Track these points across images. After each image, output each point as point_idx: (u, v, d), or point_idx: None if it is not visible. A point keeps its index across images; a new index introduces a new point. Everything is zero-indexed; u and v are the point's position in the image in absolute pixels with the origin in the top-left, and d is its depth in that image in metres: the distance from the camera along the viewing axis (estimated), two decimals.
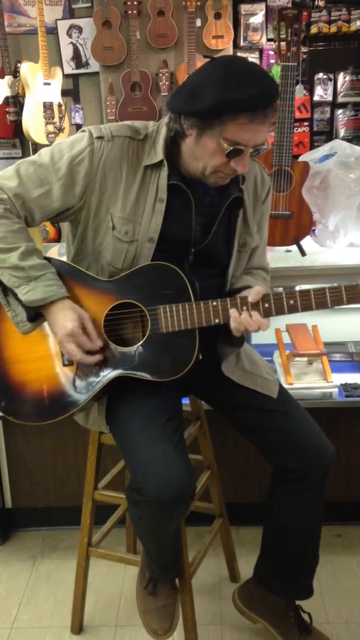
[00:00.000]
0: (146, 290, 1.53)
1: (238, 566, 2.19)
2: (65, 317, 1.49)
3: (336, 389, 2.24)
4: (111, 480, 2.01)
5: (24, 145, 4.13)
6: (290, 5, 4.01)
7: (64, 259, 1.66)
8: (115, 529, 2.06)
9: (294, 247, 2.34)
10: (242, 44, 4.03)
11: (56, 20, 3.98)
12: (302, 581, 1.84)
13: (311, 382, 2.28)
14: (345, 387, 2.26)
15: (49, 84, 3.84)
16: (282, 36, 2.26)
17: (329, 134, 4.28)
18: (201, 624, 1.88)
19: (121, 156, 1.53)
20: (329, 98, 4.21)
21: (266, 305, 1.51)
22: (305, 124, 4.24)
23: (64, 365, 1.57)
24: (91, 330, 1.52)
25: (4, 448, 2.38)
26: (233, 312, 1.50)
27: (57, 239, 4.01)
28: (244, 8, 3.97)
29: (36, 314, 1.52)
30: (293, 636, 1.86)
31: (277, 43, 2.24)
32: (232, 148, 1.43)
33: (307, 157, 2.38)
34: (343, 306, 1.53)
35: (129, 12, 3.81)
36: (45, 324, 1.58)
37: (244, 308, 1.51)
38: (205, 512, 2.09)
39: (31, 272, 1.49)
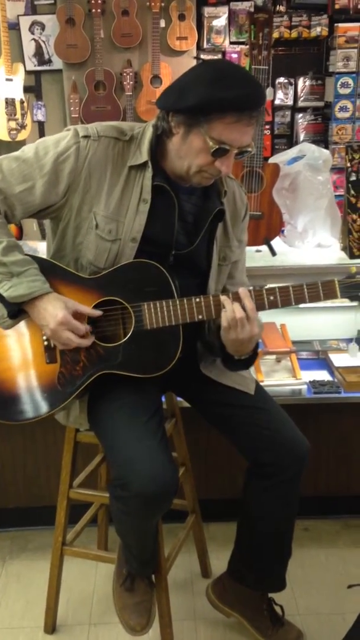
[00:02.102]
0: (129, 288, 1.54)
1: (210, 562, 2.22)
2: (54, 308, 1.48)
3: (305, 386, 2.29)
4: (84, 479, 2.00)
5: None
6: (252, 9, 4.07)
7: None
8: (86, 528, 2.05)
9: (264, 247, 2.39)
10: (205, 46, 4.05)
11: (18, 15, 3.92)
12: (275, 573, 1.88)
13: (280, 379, 2.32)
14: (313, 384, 2.31)
15: (10, 80, 3.79)
16: (253, 40, 2.29)
17: (290, 138, 4.35)
18: (175, 620, 1.89)
19: (106, 156, 1.54)
20: (290, 102, 4.28)
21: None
22: (267, 127, 4.30)
23: (47, 363, 1.56)
24: (83, 309, 1.51)
25: None
26: (224, 299, 1.51)
27: (19, 236, 3.95)
28: (208, 11, 4.00)
29: (18, 310, 1.51)
30: (266, 629, 1.91)
31: (249, 46, 2.27)
32: (217, 147, 1.45)
33: (277, 159, 2.42)
34: (320, 302, 1.57)
35: (93, 10, 3.79)
36: (26, 322, 1.56)
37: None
38: (178, 508, 2.10)
39: (13, 268, 1.47)
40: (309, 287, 1.53)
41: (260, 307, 1.53)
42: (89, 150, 1.53)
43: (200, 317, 1.53)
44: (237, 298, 1.52)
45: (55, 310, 1.48)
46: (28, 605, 2.11)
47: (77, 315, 1.51)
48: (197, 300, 1.53)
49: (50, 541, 1.95)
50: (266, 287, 1.55)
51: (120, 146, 1.56)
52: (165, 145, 1.56)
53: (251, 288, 1.55)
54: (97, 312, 1.53)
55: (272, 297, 1.53)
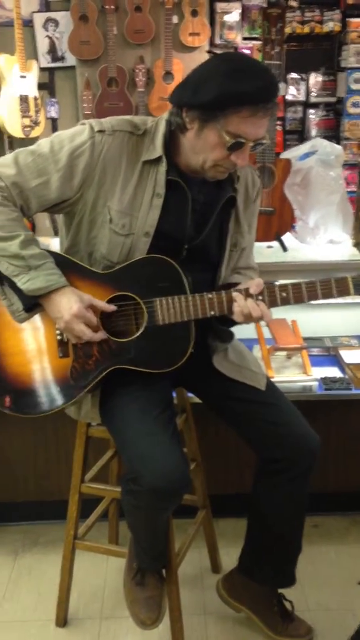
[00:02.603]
0: (142, 283, 1.55)
1: (220, 557, 2.23)
2: (69, 301, 1.50)
3: (316, 383, 2.29)
4: (96, 473, 2.02)
5: None
6: (265, 4, 4.06)
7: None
8: (97, 523, 2.06)
9: (275, 243, 2.39)
10: (217, 42, 4.04)
11: (32, 12, 3.93)
12: (285, 569, 1.88)
13: (291, 375, 2.32)
14: (325, 381, 2.31)
15: (24, 77, 3.80)
16: (266, 35, 2.29)
17: (301, 134, 4.34)
18: (185, 614, 1.90)
19: (121, 150, 1.54)
20: (302, 98, 4.26)
21: (260, 297, 1.54)
22: (279, 122, 4.28)
23: (60, 357, 1.57)
24: (99, 304, 1.53)
25: None
26: (237, 295, 1.52)
27: (32, 232, 3.97)
28: (220, 6, 3.99)
29: (33, 304, 1.52)
30: (276, 624, 1.91)
31: (262, 42, 2.27)
32: (234, 141, 1.45)
33: (289, 154, 2.42)
34: (331, 299, 1.58)
35: (107, 7, 3.79)
36: (40, 316, 1.58)
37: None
38: (189, 503, 2.11)
39: (31, 261, 1.49)
40: (322, 284, 1.53)
41: (272, 303, 1.54)
42: (104, 144, 1.53)
43: (212, 313, 1.54)
44: (248, 294, 1.52)
45: (69, 302, 1.49)
46: (40, 598, 2.12)
47: (91, 310, 1.52)
48: (210, 296, 1.53)
49: (62, 535, 1.97)
50: (278, 283, 1.55)
51: (134, 140, 1.56)
52: (179, 140, 1.56)
53: (263, 286, 1.55)
54: (112, 307, 1.54)
55: (284, 294, 1.54)
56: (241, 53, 3.76)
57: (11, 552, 2.34)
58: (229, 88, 1.41)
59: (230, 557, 2.10)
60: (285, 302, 1.53)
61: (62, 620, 2.01)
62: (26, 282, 1.48)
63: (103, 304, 1.53)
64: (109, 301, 1.56)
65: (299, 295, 1.52)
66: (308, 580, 2.16)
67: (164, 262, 1.53)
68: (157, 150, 1.54)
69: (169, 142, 1.56)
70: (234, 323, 1.64)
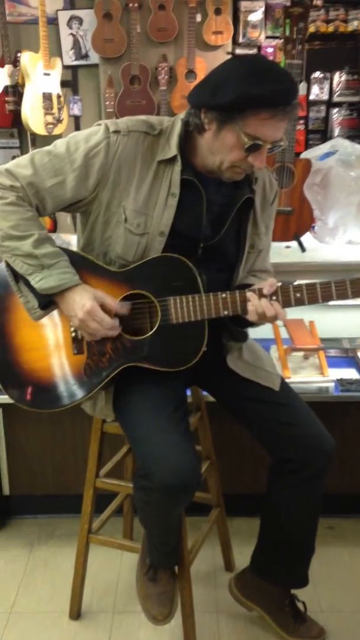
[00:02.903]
0: (156, 282, 1.56)
1: (233, 556, 2.23)
2: (82, 298, 1.51)
3: (333, 384, 2.28)
4: (111, 469, 2.04)
5: (22, 135, 4.12)
6: (289, 3, 4.04)
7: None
8: (112, 518, 2.08)
9: (293, 243, 2.38)
10: (240, 40, 4.04)
11: (57, 10, 3.96)
12: (298, 570, 1.88)
13: (308, 376, 2.32)
14: (341, 382, 2.30)
15: (48, 74, 3.83)
16: (287, 34, 2.28)
17: (324, 133, 4.31)
18: (197, 612, 1.91)
19: (136, 151, 1.56)
20: (325, 97, 4.24)
21: (274, 297, 1.54)
22: (301, 122, 4.27)
23: (74, 354, 1.59)
24: (111, 302, 1.54)
25: (3, 436, 2.39)
26: (251, 295, 1.53)
27: (53, 229, 4.01)
28: (244, 5, 3.98)
29: (48, 302, 1.54)
30: (288, 624, 1.91)
31: (282, 40, 2.27)
32: (252, 143, 1.45)
33: (309, 154, 2.42)
34: (347, 300, 1.57)
35: (130, 5, 3.81)
36: (56, 313, 1.60)
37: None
38: (202, 501, 2.12)
39: (44, 260, 1.51)
40: (337, 285, 1.52)
41: (286, 303, 1.54)
42: (119, 145, 1.54)
43: (225, 312, 1.54)
44: (262, 294, 1.52)
45: (83, 300, 1.51)
46: (54, 590, 2.15)
47: (105, 307, 1.53)
48: (224, 296, 1.54)
49: (77, 529, 1.99)
50: (296, 284, 1.55)
51: (150, 140, 1.57)
52: (195, 140, 1.57)
53: (279, 284, 1.55)
54: (123, 309, 1.55)
55: (298, 294, 1.53)
56: (261, 55, 3.75)
57: (27, 544, 2.37)
58: (248, 90, 1.42)
59: (243, 556, 2.11)
60: (299, 302, 1.53)
61: (76, 613, 2.03)
62: (39, 281, 1.50)
63: (115, 305, 1.54)
64: (123, 299, 1.57)
65: (313, 296, 1.52)
66: (322, 581, 2.16)
67: (178, 261, 1.54)
68: (172, 149, 1.55)
69: (185, 142, 1.57)
70: (249, 324, 1.64)
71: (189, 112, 1.55)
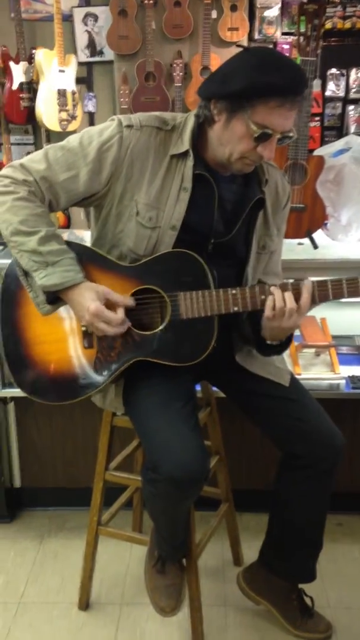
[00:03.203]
0: (166, 277, 1.57)
1: (242, 550, 2.24)
2: (85, 299, 1.51)
3: (343, 381, 2.28)
4: (121, 462, 2.05)
5: (37, 131, 4.15)
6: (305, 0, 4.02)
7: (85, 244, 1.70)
8: (122, 511, 2.10)
9: (306, 240, 2.37)
10: (256, 37, 4.04)
11: (72, 7, 3.98)
12: (306, 565, 1.89)
13: (319, 373, 2.32)
14: (352, 379, 2.30)
15: (63, 71, 3.86)
16: (302, 31, 2.28)
17: (340, 130, 4.30)
18: (205, 605, 1.93)
19: (148, 145, 1.57)
20: (341, 94, 4.23)
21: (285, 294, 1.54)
22: (317, 118, 4.26)
23: (85, 348, 1.61)
24: (116, 297, 1.53)
25: (15, 429, 2.42)
26: (274, 289, 1.52)
27: (67, 225, 4.04)
28: (260, 1, 3.98)
29: (55, 297, 1.55)
30: (295, 618, 1.92)
31: (297, 37, 2.26)
32: (261, 132, 1.46)
33: (322, 151, 2.41)
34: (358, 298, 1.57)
35: (146, 1, 3.82)
36: (66, 307, 1.61)
37: (262, 296, 1.55)
38: (211, 496, 2.13)
39: (49, 258, 1.51)
40: (348, 282, 1.52)
41: (297, 301, 1.54)
42: (132, 139, 1.56)
43: (235, 308, 1.55)
44: (295, 289, 1.52)
45: (86, 302, 1.51)
46: (63, 581, 2.18)
47: (111, 303, 1.54)
48: (234, 292, 1.54)
49: (87, 522, 2.01)
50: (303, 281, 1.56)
51: (162, 135, 1.58)
52: (207, 133, 1.58)
53: (291, 281, 1.55)
54: (129, 302, 1.55)
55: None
56: (270, 48, 3.74)
57: (37, 536, 2.40)
58: (257, 78, 1.43)
59: (252, 551, 2.11)
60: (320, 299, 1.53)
61: (84, 604, 2.05)
62: (43, 278, 1.51)
63: (119, 298, 1.54)
64: (134, 294, 1.58)
65: (324, 294, 1.52)
66: (330, 577, 2.17)
67: (189, 256, 1.55)
68: (185, 144, 1.56)
69: (197, 137, 1.58)
70: (272, 348, 1.65)
71: (199, 105, 1.56)
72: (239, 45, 1.53)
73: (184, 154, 1.57)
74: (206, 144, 1.59)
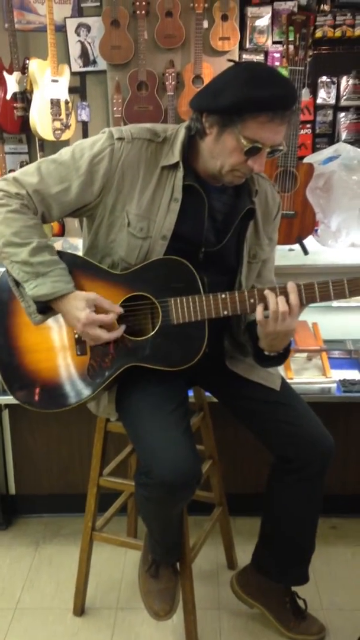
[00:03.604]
0: (157, 283, 1.59)
1: (235, 554, 2.26)
2: (76, 308, 1.54)
3: (335, 385, 2.30)
4: (115, 468, 2.07)
5: (31, 140, 4.18)
6: (296, 9, 4.08)
7: (77, 253, 1.72)
8: (117, 517, 2.12)
9: (296, 246, 2.41)
10: (247, 46, 4.09)
11: (65, 18, 4.03)
12: (299, 568, 1.90)
13: (310, 377, 2.34)
14: (343, 383, 2.33)
15: (56, 81, 3.89)
16: (290, 40, 2.32)
17: (331, 137, 4.34)
18: (200, 608, 1.94)
19: (139, 157, 1.59)
20: (332, 101, 4.27)
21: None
22: (308, 126, 4.30)
23: (78, 355, 1.63)
24: (106, 303, 1.56)
25: (10, 436, 2.44)
26: (268, 293, 1.53)
27: (61, 233, 4.06)
28: (251, 11, 4.03)
29: (46, 307, 1.58)
30: (288, 621, 1.94)
31: (285, 47, 2.30)
32: (251, 146, 1.49)
33: (312, 158, 2.45)
34: (345, 300, 1.59)
35: (138, 12, 3.86)
36: (58, 316, 1.63)
37: (252, 300, 1.57)
38: (205, 500, 2.15)
39: (39, 268, 1.54)
40: (335, 284, 1.55)
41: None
42: (123, 151, 1.58)
43: (225, 312, 1.57)
44: (283, 292, 1.54)
45: (77, 312, 1.53)
46: (58, 587, 2.19)
47: (102, 310, 1.56)
48: (223, 296, 1.57)
49: (82, 528, 2.02)
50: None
51: (154, 147, 1.61)
52: (198, 145, 1.60)
53: (276, 286, 1.58)
54: (118, 310, 1.57)
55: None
56: (261, 63, 3.79)
57: (33, 542, 2.41)
58: (247, 94, 1.46)
59: (246, 555, 2.13)
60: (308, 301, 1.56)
61: (80, 609, 2.07)
62: (33, 288, 1.54)
63: (108, 306, 1.56)
64: (126, 300, 1.61)
65: (311, 296, 1.54)
66: (323, 580, 2.18)
67: (179, 263, 1.58)
68: (175, 156, 1.59)
69: (188, 148, 1.61)
70: (271, 360, 1.67)
71: (191, 117, 1.59)
72: (229, 60, 1.56)
73: (175, 165, 1.60)
74: (197, 156, 1.62)
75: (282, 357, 1.68)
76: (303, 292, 1.54)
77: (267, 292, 1.54)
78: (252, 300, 1.57)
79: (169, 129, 1.65)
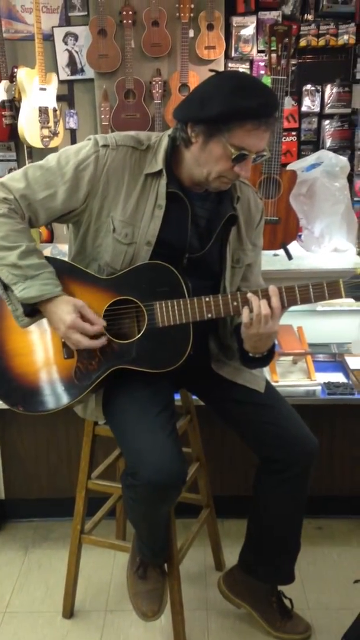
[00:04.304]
0: (143, 288, 1.62)
1: (223, 556, 2.29)
2: (62, 311, 1.57)
3: (319, 387, 2.34)
4: (103, 471, 2.09)
5: (19, 148, 4.21)
6: (280, 18, 4.13)
7: (65, 259, 1.75)
8: (105, 521, 2.14)
9: (281, 251, 2.45)
10: (233, 54, 4.14)
11: (53, 27, 4.06)
12: (284, 567, 1.94)
13: (296, 380, 2.38)
14: (328, 386, 2.36)
15: (44, 89, 3.92)
16: (272, 49, 2.37)
17: (316, 144, 4.40)
18: (188, 609, 1.97)
19: (124, 164, 1.63)
20: (317, 109, 4.33)
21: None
22: (293, 133, 4.36)
23: (65, 358, 1.66)
24: (91, 315, 1.59)
25: None
26: (251, 296, 1.58)
27: (50, 239, 4.09)
28: (236, 20, 4.08)
29: (33, 310, 1.60)
30: (275, 620, 1.97)
31: (268, 56, 2.35)
32: (238, 153, 1.53)
33: (295, 165, 2.49)
34: (329, 304, 1.64)
35: (124, 21, 3.91)
36: (44, 320, 1.66)
37: (235, 302, 1.61)
38: (193, 502, 2.18)
39: (28, 271, 1.57)
40: (315, 287, 1.59)
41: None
42: (108, 158, 1.62)
43: (209, 315, 1.61)
44: (265, 295, 1.58)
45: (63, 314, 1.57)
46: (48, 591, 2.20)
47: (86, 319, 1.59)
48: (207, 299, 1.61)
49: (70, 531, 2.04)
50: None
51: (137, 155, 1.64)
52: (182, 154, 1.64)
53: (258, 289, 1.62)
54: (102, 322, 1.60)
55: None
56: (242, 72, 3.84)
57: (22, 547, 2.43)
58: (233, 104, 1.50)
59: (234, 556, 2.15)
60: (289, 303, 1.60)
61: (69, 612, 2.08)
62: (22, 291, 1.56)
63: (93, 317, 1.59)
64: (112, 304, 1.64)
65: (292, 298, 1.58)
66: (309, 580, 2.21)
67: (163, 267, 1.61)
68: (159, 164, 1.63)
69: (171, 156, 1.65)
70: (256, 361, 1.71)
71: (175, 128, 1.63)
72: (211, 70, 1.60)
73: (158, 173, 1.63)
74: (180, 164, 1.65)
75: (266, 358, 1.72)
76: (284, 295, 1.58)
77: (249, 295, 1.58)
78: (235, 304, 1.60)
79: (153, 137, 1.69)
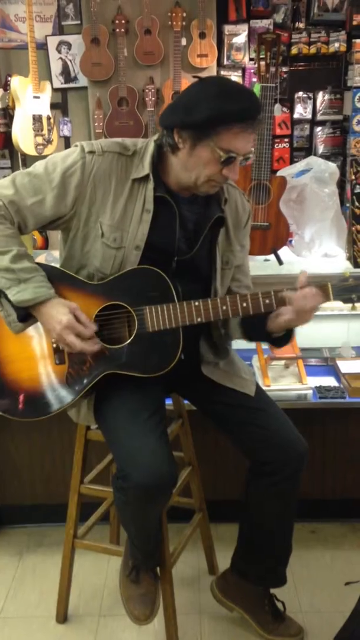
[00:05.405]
0: (133, 293, 1.64)
1: (216, 560, 2.30)
2: (58, 312, 1.59)
3: (311, 391, 2.36)
4: (96, 476, 2.11)
5: (13, 156, 4.23)
6: (272, 27, 4.17)
7: (56, 265, 1.77)
8: (99, 526, 2.15)
9: (271, 257, 2.47)
10: (225, 62, 4.17)
11: (46, 36, 4.09)
12: (276, 570, 1.95)
13: (287, 384, 2.40)
14: (319, 390, 2.38)
15: (38, 97, 3.95)
16: (261, 57, 2.40)
17: (308, 150, 4.42)
18: (181, 613, 1.98)
19: (110, 170, 1.65)
20: (309, 116, 4.36)
21: (244, 304, 1.63)
22: (286, 140, 4.38)
23: (56, 364, 1.67)
24: (83, 318, 1.61)
25: None
26: (288, 293, 1.64)
27: (45, 246, 4.11)
28: (228, 28, 4.11)
29: (26, 314, 1.62)
30: (267, 623, 1.98)
31: (256, 64, 2.38)
32: (227, 156, 1.56)
33: (285, 172, 2.52)
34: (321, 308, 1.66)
35: (117, 30, 3.94)
36: (37, 326, 1.68)
37: (224, 307, 1.63)
38: (185, 506, 2.19)
39: (21, 275, 1.59)
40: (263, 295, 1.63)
41: (255, 308, 1.63)
42: (94, 164, 1.64)
43: (199, 319, 1.63)
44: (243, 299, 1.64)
45: (59, 315, 1.59)
46: (42, 596, 2.21)
47: (78, 320, 1.61)
48: (197, 304, 1.63)
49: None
50: (262, 291, 1.65)
51: (124, 160, 1.67)
52: (168, 160, 1.66)
53: (247, 293, 1.64)
54: (93, 326, 1.62)
55: (267, 301, 1.63)
56: (224, 77, 3.88)
57: (16, 552, 2.43)
58: (220, 108, 1.53)
59: (227, 560, 2.15)
60: (268, 308, 1.64)
61: (62, 617, 2.09)
62: (16, 294, 1.59)
63: (85, 320, 1.61)
64: (102, 309, 1.65)
65: (281, 302, 1.61)
66: (302, 583, 2.23)
67: (153, 272, 1.63)
68: (145, 169, 1.65)
69: (158, 162, 1.67)
70: (280, 339, 1.76)
71: (161, 134, 1.65)
72: (194, 77, 1.63)
73: (145, 178, 1.65)
74: (167, 169, 1.68)
75: (291, 331, 1.77)
76: (273, 299, 1.61)
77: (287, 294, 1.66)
78: (224, 308, 1.62)
79: (139, 142, 1.71)
